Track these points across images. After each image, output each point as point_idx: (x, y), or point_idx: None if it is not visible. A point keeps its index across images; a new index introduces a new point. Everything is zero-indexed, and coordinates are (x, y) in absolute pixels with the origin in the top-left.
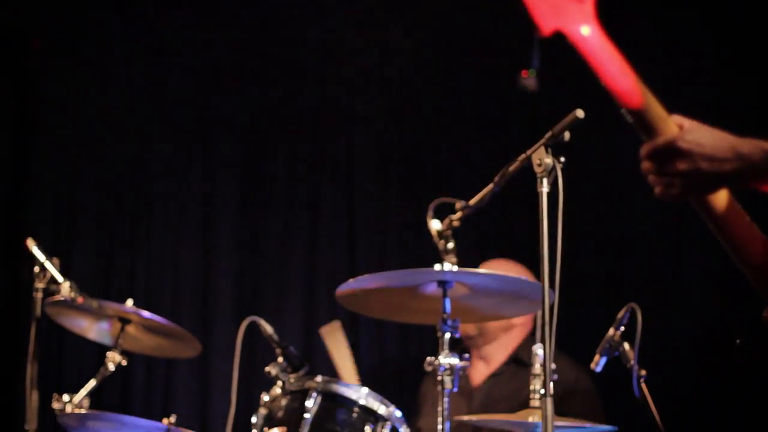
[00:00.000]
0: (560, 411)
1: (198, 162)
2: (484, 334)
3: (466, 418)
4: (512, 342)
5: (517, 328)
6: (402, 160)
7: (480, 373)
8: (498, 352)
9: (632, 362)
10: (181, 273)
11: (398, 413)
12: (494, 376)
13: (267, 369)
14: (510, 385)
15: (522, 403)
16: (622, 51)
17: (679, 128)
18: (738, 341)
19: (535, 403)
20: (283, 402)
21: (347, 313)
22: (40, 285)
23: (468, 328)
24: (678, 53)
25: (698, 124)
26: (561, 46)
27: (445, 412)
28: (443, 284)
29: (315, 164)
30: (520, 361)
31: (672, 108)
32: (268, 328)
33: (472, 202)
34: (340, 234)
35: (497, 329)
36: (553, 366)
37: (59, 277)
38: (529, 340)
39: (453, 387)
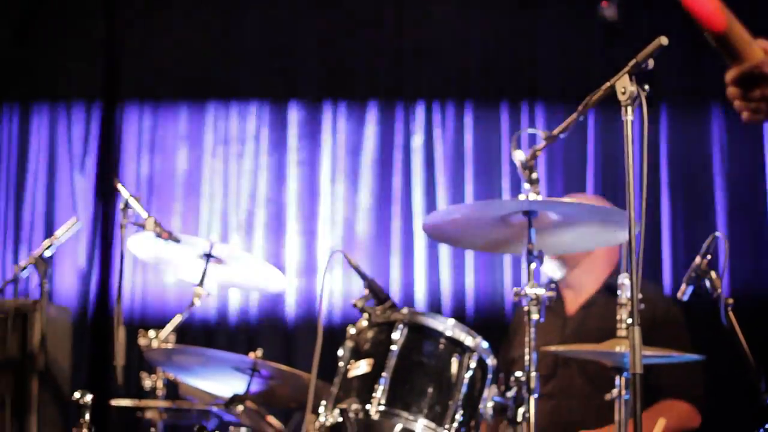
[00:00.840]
0: (648, 341)
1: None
2: (563, 262)
3: (552, 348)
4: (599, 269)
5: (600, 251)
6: (480, 89)
7: (573, 302)
8: (585, 280)
9: (719, 291)
10: (260, 206)
11: (485, 344)
12: (587, 306)
13: (353, 302)
14: (604, 314)
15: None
16: None
17: (765, 53)
18: None
19: (622, 332)
20: (370, 334)
21: (431, 244)
22: (124, 222)
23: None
24: None
25: None
26: None
27: (532, 343)
28: (529, 214)
29: (391, 91)
30: (613, 289)
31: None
32: (353, 261)
33: (556, 131)
34: (418, 166)
35: (578, 255)
36: (641, 296)
37: (144, 214)
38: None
39: (540, 317)
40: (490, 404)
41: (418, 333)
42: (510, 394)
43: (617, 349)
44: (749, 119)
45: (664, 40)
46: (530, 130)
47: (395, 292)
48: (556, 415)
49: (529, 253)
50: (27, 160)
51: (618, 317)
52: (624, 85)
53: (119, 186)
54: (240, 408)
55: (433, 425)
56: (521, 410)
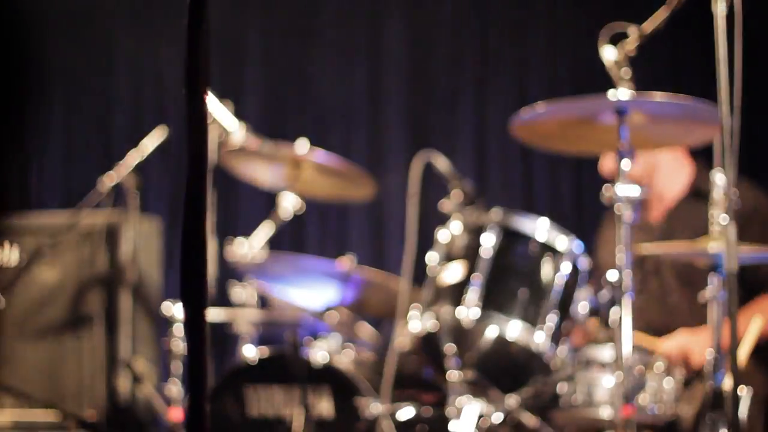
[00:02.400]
0: (739, 237)
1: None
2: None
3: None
4: (683, 173)
5: (676, 153)
6: None
7: (657, 209)
8: (670, 184)
9: None
10: (349, 113)
11: (577, 245)
12: (674, 210)
13: (442, 205)
14: (691, 217)
15: (704, 234)
16: None
17: None
18: None
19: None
20: (461, 237)
21: (520, 146)
22: (214, 129)
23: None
24: None
25: None
26: None
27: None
28: (620, 112)
29: None
30: (699, 192)
31: None
32: (442, 164)
33: (646, 27)
34: (510, 64)
35: (667, 161)
36: (735, 191)
37: (234, 120)
38: (707, 168)
39: (632, 218)
40: (583, 305)
41: (510, 235)
42: (603, 295)
43: (711, 247)
44: None
45: None
46: (619, 26)
47: (487, 194)
48: (648, 317)
49: (621, 151)
50: (114, 70)
51: (710, 214)
52: None
53: (208, 93)
54: (332, 316)
55: (526, 327)
56: (614, 311)
